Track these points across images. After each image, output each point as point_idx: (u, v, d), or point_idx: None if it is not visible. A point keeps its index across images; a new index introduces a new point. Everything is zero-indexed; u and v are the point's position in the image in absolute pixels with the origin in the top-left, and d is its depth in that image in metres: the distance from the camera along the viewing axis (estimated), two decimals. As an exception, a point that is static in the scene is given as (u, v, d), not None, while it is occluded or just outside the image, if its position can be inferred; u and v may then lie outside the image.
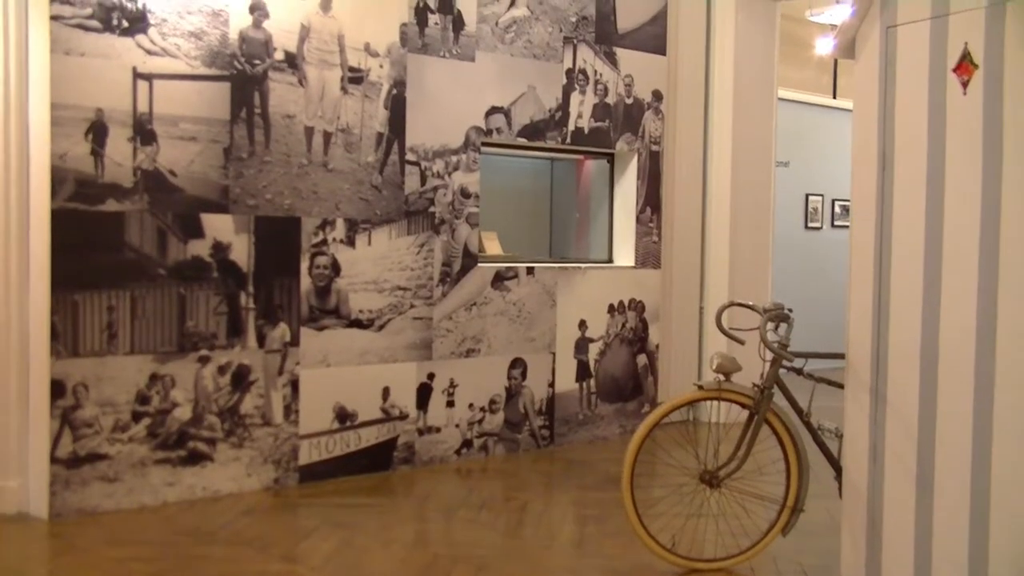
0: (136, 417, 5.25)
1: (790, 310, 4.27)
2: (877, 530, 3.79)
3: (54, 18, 4.94)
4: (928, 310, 3.56)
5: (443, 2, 6.30)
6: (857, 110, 3.84)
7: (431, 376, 6.33)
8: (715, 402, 4.32)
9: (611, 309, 7.27)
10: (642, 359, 7.49)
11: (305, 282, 5.79)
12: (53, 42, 4.95)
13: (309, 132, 5.77)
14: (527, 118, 6.76)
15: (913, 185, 3.61)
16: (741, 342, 4.33)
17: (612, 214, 7.52)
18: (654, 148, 7.49)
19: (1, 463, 5.14)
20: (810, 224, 11.22)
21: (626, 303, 7.36)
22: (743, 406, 4.34)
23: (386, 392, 6.14)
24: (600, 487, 5.92)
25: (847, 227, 4.13)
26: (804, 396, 4.35)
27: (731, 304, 4.57)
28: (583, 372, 7.13)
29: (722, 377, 4.30)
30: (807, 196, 11.17)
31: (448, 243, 6.37)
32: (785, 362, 4.23)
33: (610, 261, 7.49)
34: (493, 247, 6.99)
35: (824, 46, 10.37)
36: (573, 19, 6.96)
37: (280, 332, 5.72)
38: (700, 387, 4.37)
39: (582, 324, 7.09)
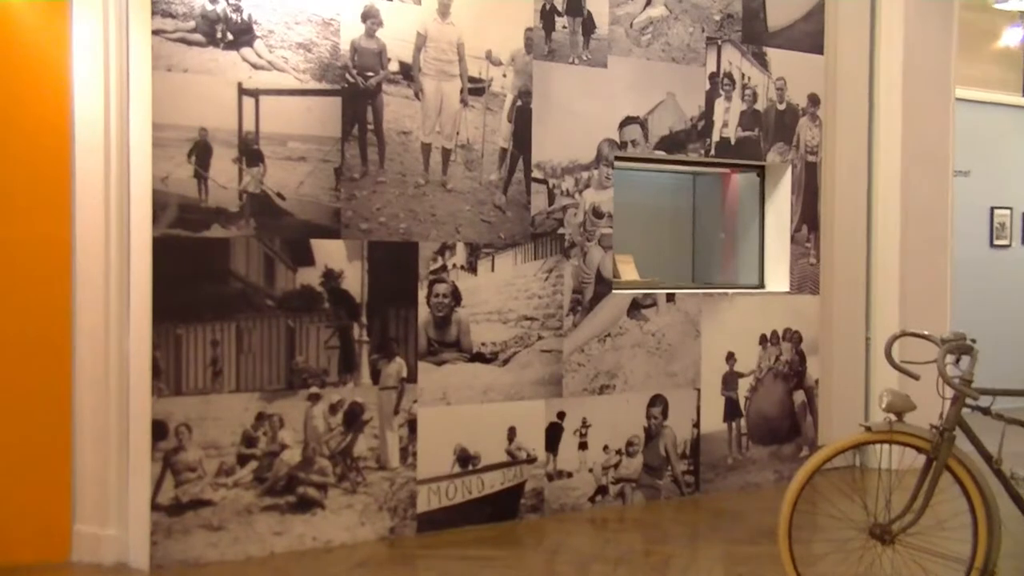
0: (242, 460, 5.29)
1: (973, 340, 4.16)
2: (1087, 601, 3.46)
3: (156, 33, 5.06)
4: None
5: (571, 3, 6.25)
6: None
7: (561, 415, 6.25)
8: (886, 445, 4.23)
9: (763, 340, 7.10)
10: (799, 396, 7.28)
11: (423, 312, 5.78)
12: (155, 58, 5.07)
13: (426, 149, 5.77)
14: (666, 129, 6.66)
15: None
16: (916, 377, 4.22)
17: (763, 234, 7.38)
18: (810, 159, 7.31)
19: (100, 510, 5.23)
20: (996, 241, 10.88)
21: (780, 333, 7.18)
22: (919, 450, 4.22)
23: (512, 433, 6.08)
24: (753, 540, 5.79)
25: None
26: (993, 440, 4.20)
27: (903, 334, 4.49)
28: (732, 411, 6.97)
29: (893, 417, 4.20)
30: (992, 210, 10.82)
31: (579, 268, 6.30)
32: (969, 400, 4.11)
33: (761, 286, 7.34)
34: (629, 272, 6.91)
35: (1012, 37, 10.23)
36: (717, 17, 6.83)
37: (396, 367, 5.71)
38: (868, 428, 4.28)
39: (730, 357, 6.94)
